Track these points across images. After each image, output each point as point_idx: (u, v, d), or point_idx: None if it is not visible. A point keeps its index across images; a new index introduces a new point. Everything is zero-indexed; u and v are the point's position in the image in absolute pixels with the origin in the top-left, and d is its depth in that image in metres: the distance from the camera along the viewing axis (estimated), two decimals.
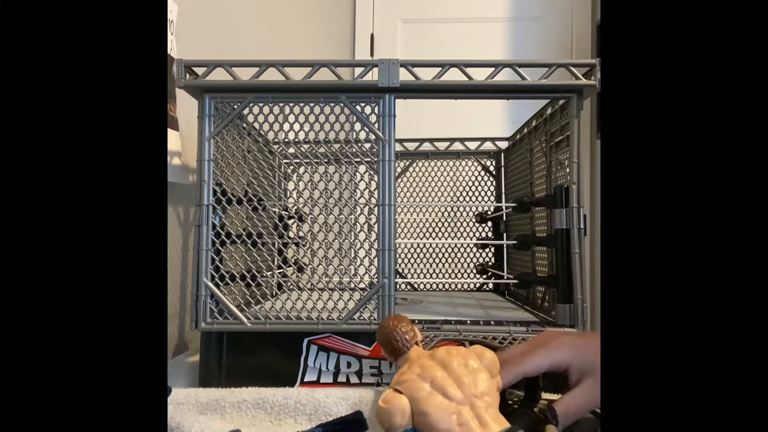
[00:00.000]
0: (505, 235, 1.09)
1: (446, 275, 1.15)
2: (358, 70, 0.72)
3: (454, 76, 0.68)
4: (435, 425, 0.35)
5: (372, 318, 0.68)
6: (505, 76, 0.69)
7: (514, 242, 0.86)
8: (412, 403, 0.36)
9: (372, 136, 0.70)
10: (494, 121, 1.82)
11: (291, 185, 1.05)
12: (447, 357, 0.38)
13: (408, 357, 0.42)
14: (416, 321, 0.70)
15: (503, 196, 1.12)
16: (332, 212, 0.71)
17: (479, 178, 1.15)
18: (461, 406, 0.36)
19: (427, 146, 1.14)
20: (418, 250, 1.17)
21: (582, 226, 0.69)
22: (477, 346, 0.41)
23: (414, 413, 0.36)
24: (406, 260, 1.17)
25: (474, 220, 1.13)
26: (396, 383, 0.38)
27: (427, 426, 0.35)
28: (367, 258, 0.70)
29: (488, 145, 1.14)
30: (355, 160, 0.71)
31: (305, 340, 0.69)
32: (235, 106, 0.70)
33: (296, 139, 0.74)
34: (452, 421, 0.35)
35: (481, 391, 0.37)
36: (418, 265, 1.16)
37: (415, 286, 1.16)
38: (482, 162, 1.15)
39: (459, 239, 1.15)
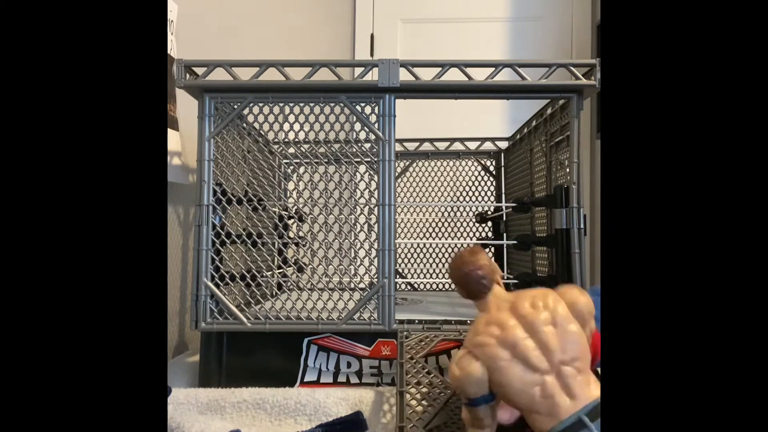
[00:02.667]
0: (505, 235, 1.09)
1: (446, 275, 1.15)
2: (358, 70, 0.72)
3: (454, 76, 0.68)
4: (514, 398, 0.31)
5: (372, 318, 0.68)
6: (505, 76, 0.69)
7: (514, 242, 0.86)
8: (490, 372, 0.31)
9: (372, 136, 0.70)
10: (494, 121, 1.81)
11: (291, 185, 1.05)
12: (532, 313, 0.32)
13: (487, 304, 0.35)
14: (416, 321, 0.70)
15: (503, 196, 1.12)
16: (332, 212, 0.71)
17: (479, 178, 1.15)
18: (546, 376, 0.31)
19: (427, 146, 1.14)
20: (418, 250, 1.17)
21: (582, 226, 0.69)
22: (568, 289, 0.34)
23: (491, 381, 0.31)
24: (406, 260, 1.17)
25: (474, 220, 1.13)
26: (472, 344, 0.32)
27: (506, 397, 0.31)
28: (367, 258, 0.69)
29: (488, 145, 1.14)
30: (355, 160, 0.71)
31: (305, 340, 0.69)
32: (235, 106, 0.70)
33: (296, 139, 0.74)
34: (534, 394, 0.30)
35: (570, 356, 0.31)
36: (418, 265, 1.16)
37: (415, 286, 1.16)
38: (482, 162, 1.15)
39: (459, 239, 1.15)
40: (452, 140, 1.14)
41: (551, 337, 0.31)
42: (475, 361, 0.32)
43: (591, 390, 0.31)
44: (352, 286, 0.70)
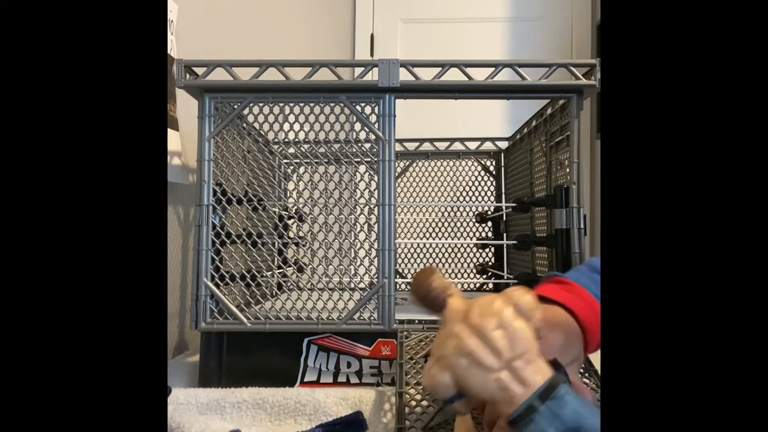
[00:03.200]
0: (505, 235, 1.09)
1: (446, 275, 1.15)
2: (358, 70, 0.72)
3: (454, 76, 0.68)
4: (478, 394, 0.37)
5: (372, 318, 0.68)
6: (505, 76, 0.69)
7: (514, 242, 0.86)
8: (454, 377, 0.37)
9: (372, 136, 0.70)
10: (494, 121, 1.81)
11: (291, 185, 1.05)
12: (480, 322, 0.38)
13: (445, 318, 0.42)
14: (416, 321, 0.70)
15: (503, 196, 1.12)
16: (332, 212, 0.71)
17: (479, 178, 1.15)
18: (500, 373, 0.36)
19: (427, 146, 1.14)
20: (418, 250, 1.17)
21: (582, 226, 0.69)
22: (512, 291, 0.40)
23: (457, 384, 0.37)
24: (406, 260, 1.17)
25: (474, 220, 1.13)
26: (436, 357, 0.39)
27: (471, 395, 0.37)
28: (367, 258, 0.69)
29: (488, 145, 1.14)
30: (355, 160, 0.71)
31: (305, 340, 0.69)
32: (235, 106, 0.70)
33: (296, 139, 0.74)
34: (493, 388, 0.36)
35: (518, 351, 0.36)
36: (418, 265, 1.16)
37: None
38: (482, 162, 1.15)
39: (459, 239, 1.15)
40: (452, 140, 1.14)
41: (499, 339, 0.37)
42: (441, 371, 0.38)
43: (542, 375, 0.36)
44: (352, 286, 0.70)
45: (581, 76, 0.69)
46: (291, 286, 0.95)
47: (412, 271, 1.16)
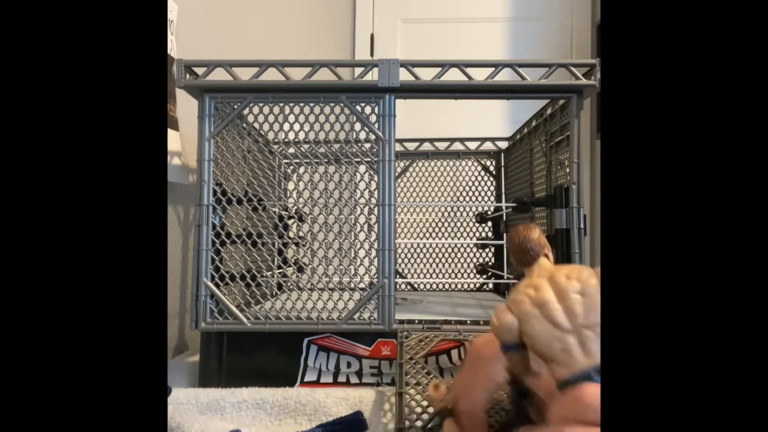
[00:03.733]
0: (505, 235, 1.09)
1: (446, 275, 1.15)
2: (358, 70, 0.72)
3: (454, 76, 0.68)
4: (538, 347, 0.37)
5: (372, 318, 0.68)
6: (505, 76, 0.69)
7: None
8: (521, 324, 0.37)
9: (372, 136, 0.70)
10: (494, 121, 1.81)
11: (291, 185, 1.05)
12: (564, 282, 0.38)
13: (532, 271, 0.42)
14: (416, 321, 0.70)
15: (503, 196, 1.12)
16: (332, 212, 0.71)
17: (479, 178, 1.15)
18: (568, 335, 0.36)
19: (427, 146, 1.14)
20: (418, 250, 1.17)
21: (582, 226, 0.69)
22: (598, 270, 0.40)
23: (522, 332, 0.38)
24: (406, 260, 1.17)
25: (474, 220, 1.13)
26: (511, 301, 0.39)
27: (532, 347, 0.37)
28: (367, 258, 0.69)
29: (488, 145, 1.14)
30: (355, 160, 0.71)
31: (305, 340, 0.69)
32: (235, 106, 0.70)
33: (296, 139, 0.74)
34: (556, 347, 0.36)
35: (591, 321, 0.36)
36: (418, 265, 1.16)
37: (415, 286, 1.16)
38: (482, 162, 1.15)
39: (459, 239, 1.15)
40: (452, 140, 1.14)
41: (577, 304, 0.37)
42: (510, 314, 0.38)
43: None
44: (352, 286, 0.70)
45: (581, 76, 0.69)
46: (291, 286, 0.95)
47: (412, 271, 1.16)
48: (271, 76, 0.68)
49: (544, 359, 0.37)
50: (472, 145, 1.14)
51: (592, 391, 0.33)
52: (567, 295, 0.37)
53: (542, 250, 0.44)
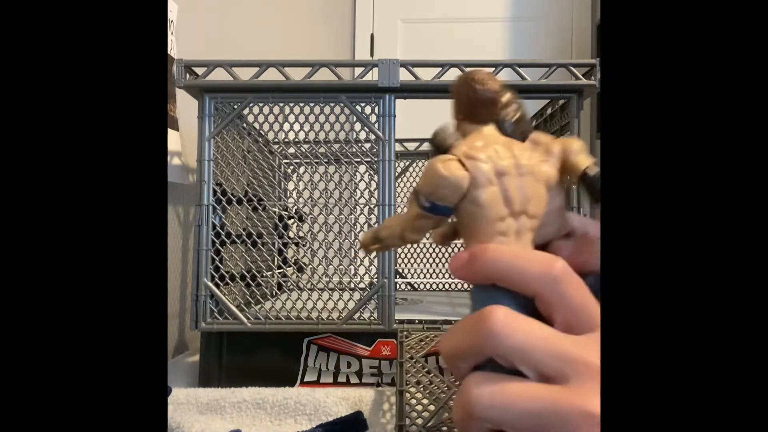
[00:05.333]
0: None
1: (446, 275, 1.15)
2: (358, 70, 0.72)
3: (454, 76, 0.68)
4: (479, 220, 0.30)
5: (372, 318, 0.68)
6: (505, 76, 0.68)
7: None
8: (471, 186, 0.29)
9: (372, 136, 0.70)
10: None
11: (291, 185, 1.05)
12: (528, 159, 0.31)
13: (482, 131, 0.33)
14: (416, 321, 0.70)
15: None
16: (332, 212, 0.71)
17: None
18: (510, 218, 0.30)
19: (427, 146, 1.14)
20: (418, 250, 1.17)
21: None
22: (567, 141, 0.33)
23: (465, 196, 0.29)
24: (406, 260, 1.17)
25: None
26: (465, 154, 0.30)
27: (470, 215, 0.30)
28: (367, 258, 0.69)
29: None
30: (355, 160, 0.71)
31: (305, 340, 0.69)
32: (235, 106, 0.70)
33: (296, 139, 0.74)
34: (495, 227, 0.30)
35: (534, 211, 0.30)
36: (418, 265, 1.16)
37: (415, 286, 1.16)
38: None
39: (459, 239, 1.15)
40: None
41: (530, 186, 0.30)
42: (463, 169, 0.29)
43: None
44: (352, 286, 0.70)
45: (581, 76, 0.69)
46: (291, 286, 0.95)
47: (412, 271, 1.16)
48: (271, 76, 0.68)
49: (474, 238, 0.31)
50: None
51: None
52: (524, 168, 0.30)
53: (506, 109, 0.35)
